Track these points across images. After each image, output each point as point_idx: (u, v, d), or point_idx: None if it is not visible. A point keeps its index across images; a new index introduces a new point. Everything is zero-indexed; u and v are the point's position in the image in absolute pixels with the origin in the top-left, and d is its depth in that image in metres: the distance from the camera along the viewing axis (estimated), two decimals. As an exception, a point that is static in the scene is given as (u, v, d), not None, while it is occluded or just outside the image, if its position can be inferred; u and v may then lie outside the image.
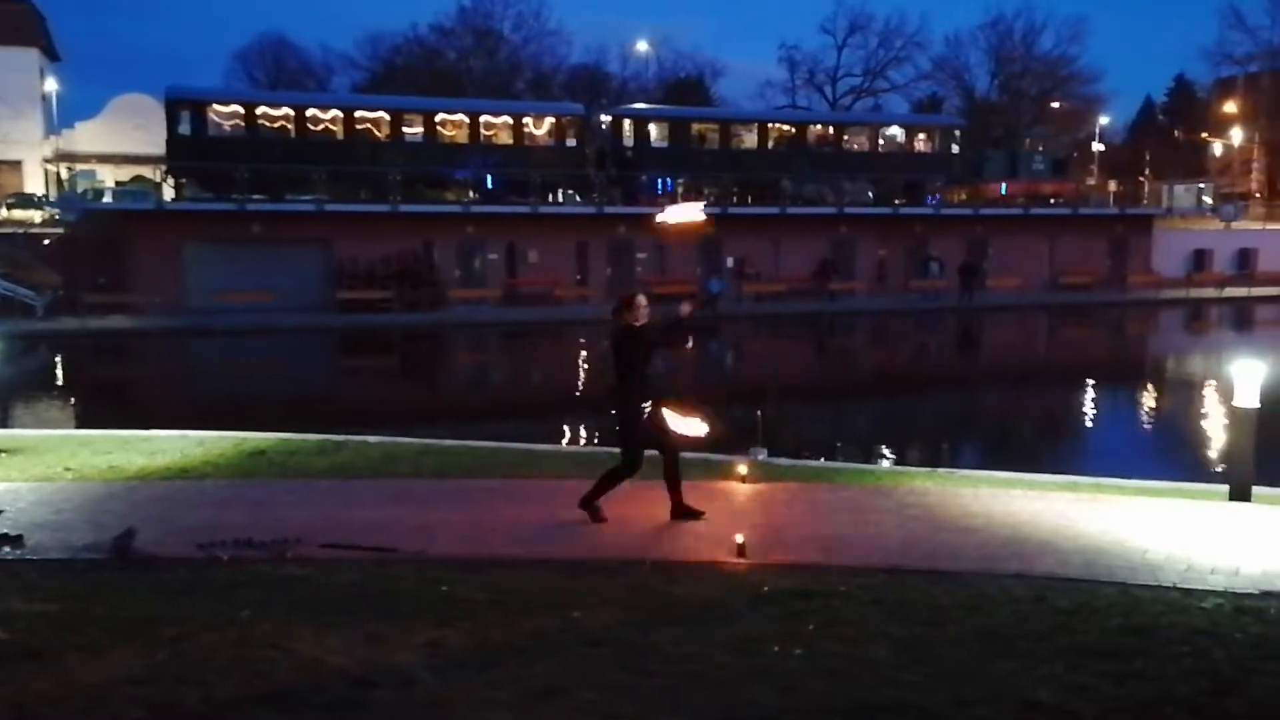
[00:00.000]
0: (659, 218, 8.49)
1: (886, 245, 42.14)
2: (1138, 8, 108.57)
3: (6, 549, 6.96)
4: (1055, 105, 68.95)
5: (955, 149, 44.67)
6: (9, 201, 42.17)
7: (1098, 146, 66.95)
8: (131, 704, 4.31)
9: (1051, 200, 46.20)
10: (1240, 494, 8.87)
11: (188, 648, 4.97)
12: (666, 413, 7.85)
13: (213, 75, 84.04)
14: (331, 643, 5.06)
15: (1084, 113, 70.58)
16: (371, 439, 11.78)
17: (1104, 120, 71.07)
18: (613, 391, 7.96)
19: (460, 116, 38.23)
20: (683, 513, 7.96)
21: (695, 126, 41.72)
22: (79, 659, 4.77)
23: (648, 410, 7.85)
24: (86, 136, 52.05)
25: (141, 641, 5.03)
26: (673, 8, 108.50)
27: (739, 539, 7.03)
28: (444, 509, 8.38)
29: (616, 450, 8.12)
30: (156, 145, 38.44)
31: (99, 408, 20.37)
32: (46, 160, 51.30)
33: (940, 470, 10.87)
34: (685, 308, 7.95)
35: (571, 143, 39.31)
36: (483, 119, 38.23)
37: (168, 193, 36.44)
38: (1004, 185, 45.71)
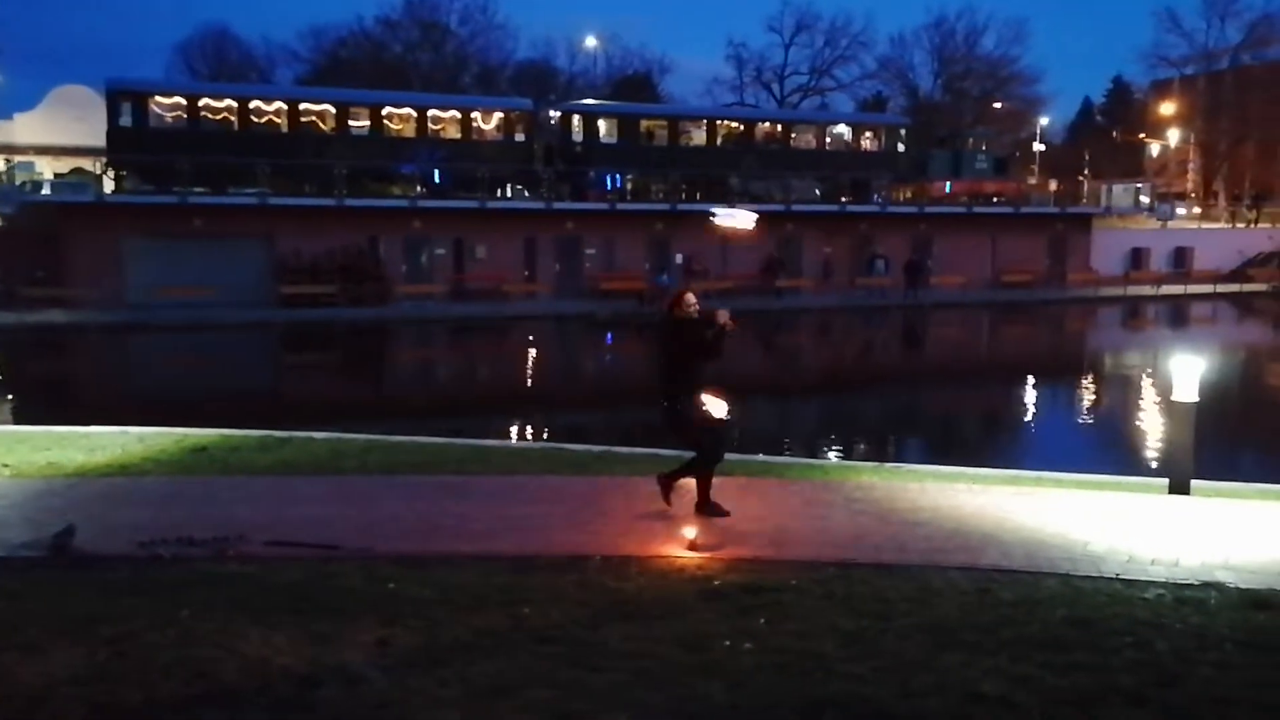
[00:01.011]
0: (715, 219, 8.50)
1: (833, 243, 42.45)
2: (1077, 10, 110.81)
3: (-61, 548, 6.78)
4: (997, 105, 69.98)
5: (900, 148, 45.12)
6: (-58, 193, 41.03)
7: (1038, 146, 68.14)
8: (73, 704, 4.24)
9: (994, 199, 46.83)
10: (1179, 487, 9.05)
11: (129, 647, 4.88)
12: (708, 400, 7.86)
13: (154, 67, 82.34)
14: (277, 642, 4.99)
15: (1025, 113, 71.78)
16: (316, 435, 11.64)
17: (1044, 121, 72.50)
18: (670, 385, 7.91)
19: (407, 110, 37.90)
20: (707, 505, 7.92)
21: (644, 123, 41.72)
22: (17, 659, 4.69)
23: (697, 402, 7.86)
24: (24, 128, 50.82)
25: (82, 641, 4.94)
26: (620, 4, 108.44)
27: (689, 533, 7.04)
28: (390, 506, 8.30)
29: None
30: (96, 137, 37.60)
31: (36, 403, 19.92)
32: (-18, 152, 50.04)
33: (887, 465, 10.98)
34: (724, 315, 7.88)
35: (520, 138, 39.15)
36: (430, 113, 37.93)
37: (108, 185, 35.70)
38: (948, 184, 46.27)
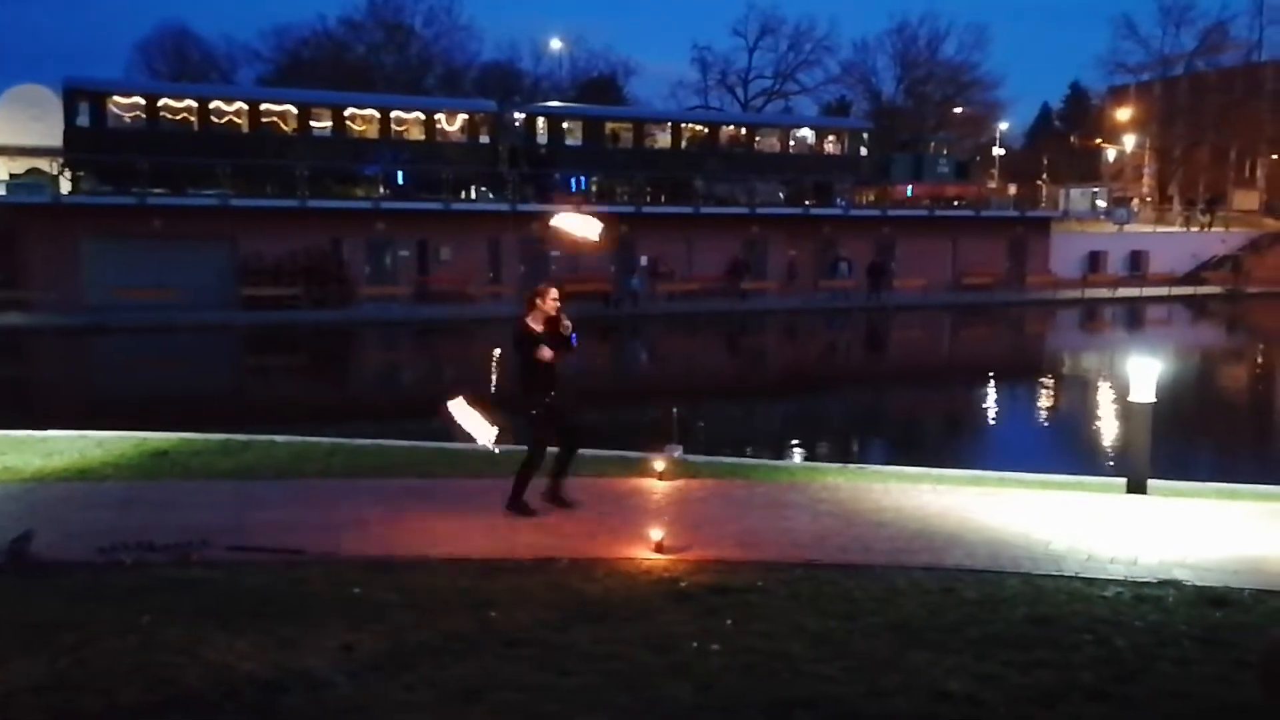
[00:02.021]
0: (554, 220, 8.50)
1: (797, 245, 42.64)
2: (1036, 17, 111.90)
3: (-108, 555, 6.64)
4: (958, 110, 70.65)
5: (863, 151, 45.42)
6: (-109, 194, 40.21)
7: (998, 151, 68.78)
8: (32, 712, 4.18)
9: (955, 203, 47.25)
10: (1137, 486, 9.18)
11: (90, 654, 4.81)
12: (458, 405, 8.15)
13: (112, 66, 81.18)
14: (241, 647, 4.94)
15: (985, 118, 72.45)
16: (279, 439, 11.52)
17: (1004, 126, 73.12)
18: (547, 381, 8.12)
19: (370, 111, 37.64)
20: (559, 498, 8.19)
21: (609, 125, 41.70)
22: (-28, 668, 4.58)
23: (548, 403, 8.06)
24: (-24, 127, 49.93)
25: (41, 649, 4.86)
26: (585, 7, 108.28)
27: (656, 535, 7.05)
28: (354, 509, 8.24)
29: (518, 447, 8.19)
30: (53, 137, 36.98)
31: (-10, 408, 19.58)
32: (-67, 151, 49.12)
33: (851, 466, 11.04)
34: (567, 324, 8.14)
35: (484, 140, 38.99)
36: (393, 114, 37.69)
37: (65, 186, 35.11)
38: (910, 187, 46.64)
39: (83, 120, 33.59)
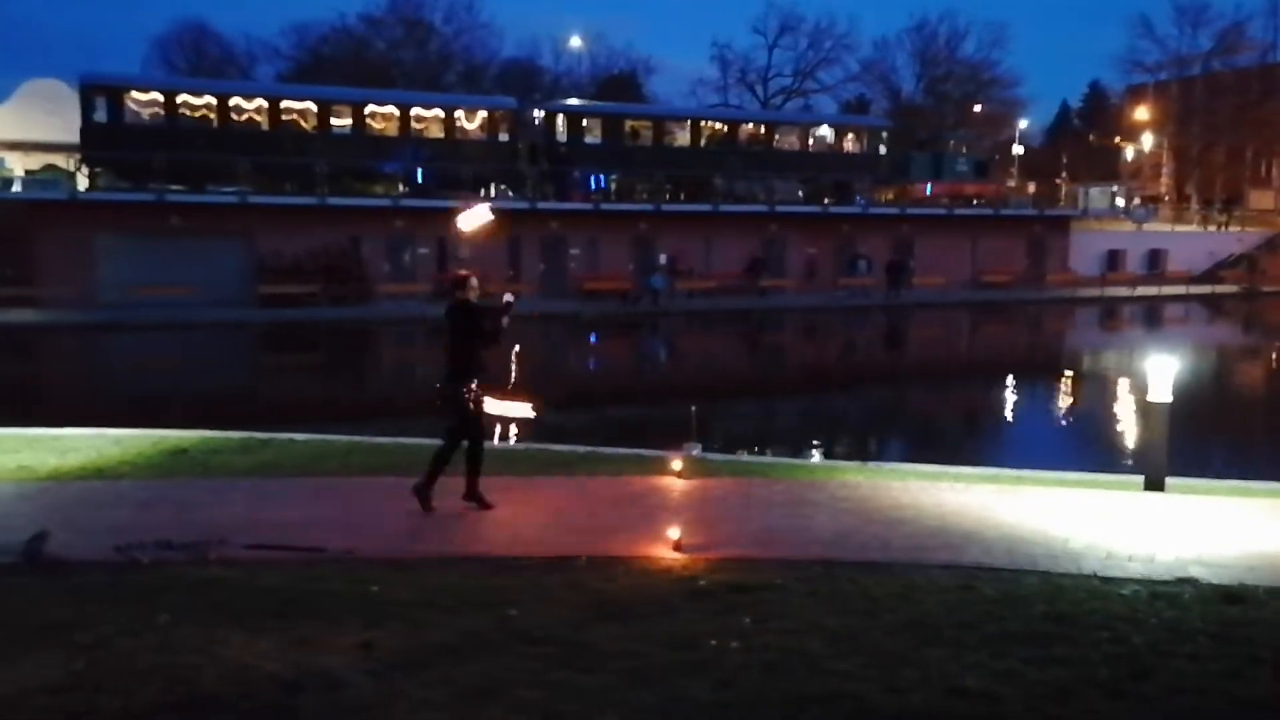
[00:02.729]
0: (458, 226, 8.68)
1: (816, 243, 42.57)
2: (1055, 15, 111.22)
3: (-90, 553, 6.66)
4: (977, 109, 70.37)
5: (882, 150, 45.28)
6: (-93, 190, 40.52)
7: (1018, 149, 68.45)
8: (47, 713, 4.16)
9: (974, 201, 47.07)
10: (1155, 484, 9.14)
11: (106, 654, 4.79)
12: (489, 399, 8.12)
13: (130, 61, 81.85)
14: (259, 647, 4.93)
15: (1005, 116, 72.14)
16: (297, 437, 11.56)
17: (1023, 124, 72.74)
18: (453, 367, 8.12)
19: (390, 109, 37.70)
20: (476, 497, 8.16)
21: (628, 123, 41.67)
22: (-11, 667, 4.57)
23: (475, 389, 8.10)
24: (-8, 122, 50.21)
25: (56, 649, 4.83)
26: (606, 4, 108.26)
27: (675, 533, 7.03)
28: (373, 507, 8.26)
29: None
30: (70, 133, 37.14)
31: (5, 405, 19.66)
32: (-51, 147, 49.45)
33: (870, 464, 11.01)
34: (509, 296, 8.35)
35: (504, 137, 38.99)
36: (413, 111, 37.73)
37: (82, 182, 35.26)
38: (929, 186, 46.48)
39: (100, 116, 33.68)
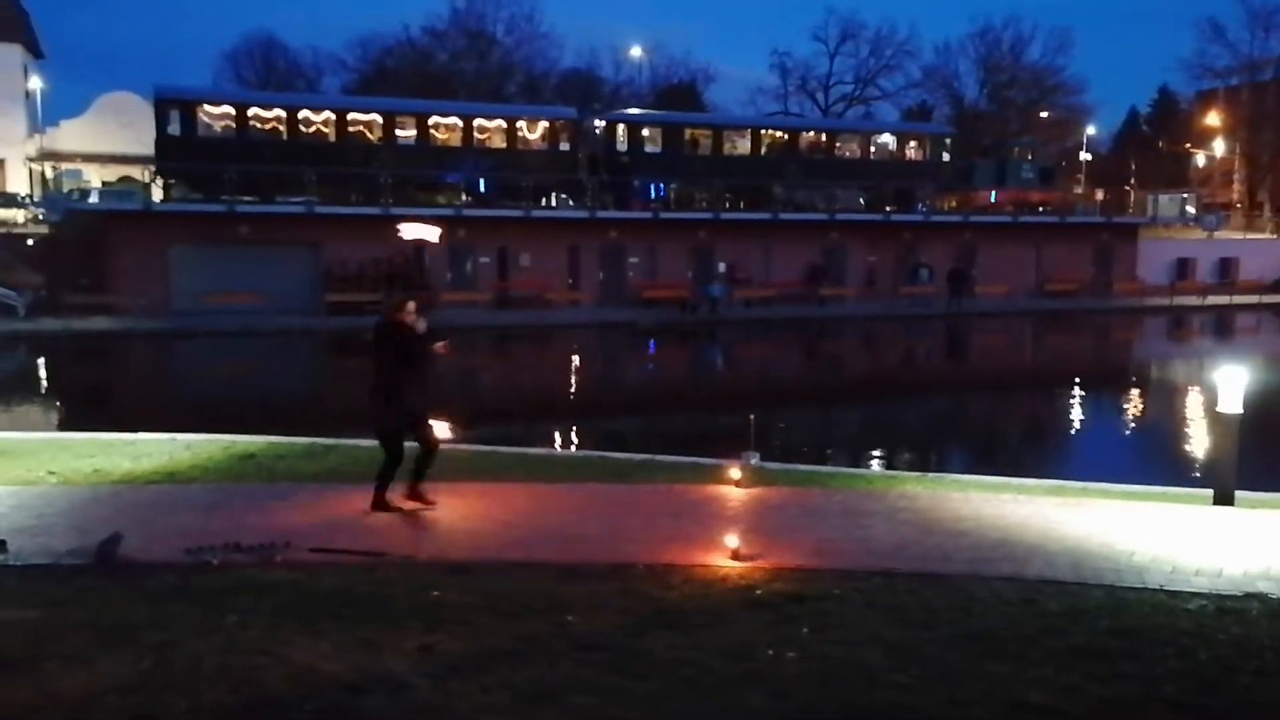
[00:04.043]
0: (400, 229, 9.09)
1: (877, 251, 42.26)
2: (1123, 20, 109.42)
3: (-10, 554, 6.88)
4: (1043, 115, 69.30)
5: (945, 157, 44.84)
6: (-10, 200, 41.88)
7: (1084, 156, 67.35)
8: (116, 714, 4.24)
9: (1039, 208, 46.42)
10: (1224, 498, 8.95)
11: (174, 655, 4.89)
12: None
13: (201, 74, 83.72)
14: (322, 648, 5.02)
15: (1071, 122, 71.05)
16: (361, 443, 11.70)
17: (1090, 130, 71.54)
18: (391, 387, 8.28)
19: (453, 120, 38.16)
20: (393, 504, 8.34)
21: (688, 132, 41.72)
22: (60, 668, 4.69)
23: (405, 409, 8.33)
24: (71, 135, 51.62)
25: (126, 649, 4.94)
26: (665, 13, 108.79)
27: (732, 542, 7.03)
28: (432, 512, 8.35)
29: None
30: (144, 145, 38.15)
31: (82, 410, 20.22)
32: (30, 159, 50.89)
33: (930, 475, 10.89)
34: (441, 345, 8.57)
35: (564, 147, 39.27)
36: (475, 122, 38.16)
37: (156, 193, 36.17)
38: (993, 193, 45.91)
39: (173, 129, 34.53)
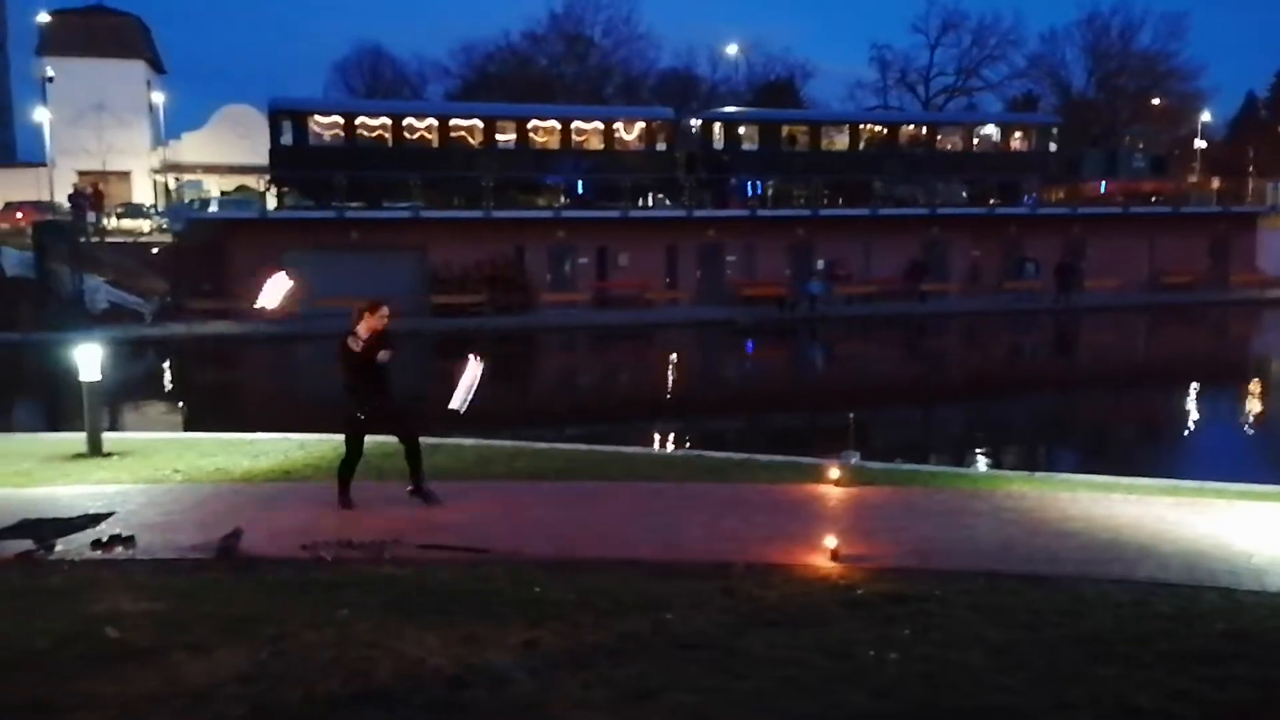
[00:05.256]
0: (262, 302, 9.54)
1: (980, 246, 41.37)
2: (1239, 2, 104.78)
3: (119, 549, 7.24)
4: (1155, 102, 66.92)
5: (1052, 147, 43.62)
6: (118, 211, 43.72)
7: (1199, 143, 64.82)
8: (235, 702, 4.42)
9: (1152, 199, 44.90)
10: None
11: (289, 647, 5.09)
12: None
13: (313, 85, 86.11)
14: (429, 642, 5.16)
15: (1184, 109, 68.39)
16: (466, 442, 11.96)
17: (1205, 117, 68.75)
18: (368, 390, 8.63)
19: (552, 123, 38.55)
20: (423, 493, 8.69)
21: (785, 129, 41.41)
22: (185, 657, 4.91)
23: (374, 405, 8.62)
24: (192, 147, 53.72)
25: (245, 640, 5.15)
26: (762, 11, 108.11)
27: (832, 542, 7.00)
28: (536, 510, 8.50)
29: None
30: (260, 155, 39.45)
31: (204, 411, 21.01)
32: (154, 170, 53.15)
33: (1038, 474, 10.67)
34: (385, 354, 8.74)
35: (661, 147, 39.34)
36: (574, 125, 38.48)
37: (270, 201, 37.38)
38: (1103, 184, 44.55)
39: (286, 139, 35.61)
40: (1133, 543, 7.34)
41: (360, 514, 8.32)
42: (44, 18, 49.73)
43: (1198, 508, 8.54)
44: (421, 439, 9.04)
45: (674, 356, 30.06)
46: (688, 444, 15.91)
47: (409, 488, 8.75)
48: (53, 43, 50.39)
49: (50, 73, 43.09)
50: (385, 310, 8.83)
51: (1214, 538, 7.45)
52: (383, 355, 8.61)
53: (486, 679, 4.70)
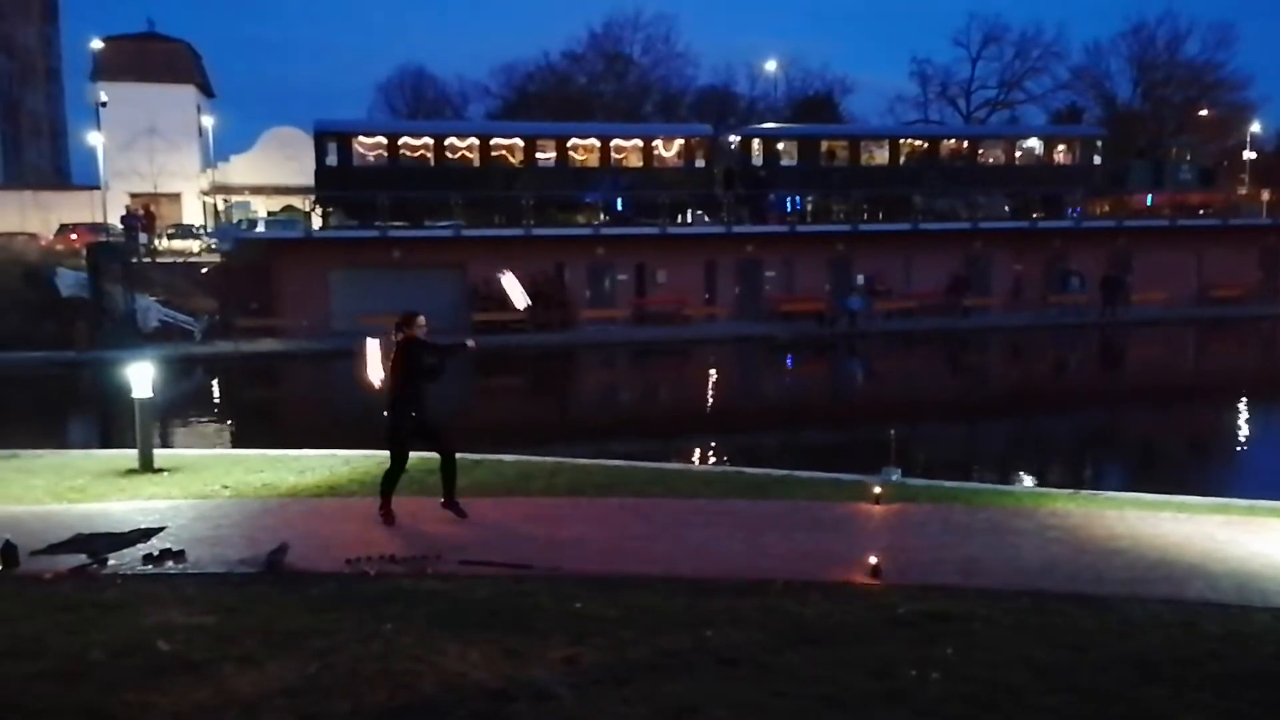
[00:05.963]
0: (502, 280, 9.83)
1: (1023, 260, 41.04)
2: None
3: (170, 563, 7.38)
4: (1202, 113, 66.06)
5: (1096, 160, 43.22)
6: (169, 232, 44.53)
7: (1248, 155, 63.90)
8: (284, 714, 4.48)
9: (1199, 211, 44.31)
10: None
11: (336, 660, 5.15)
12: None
13: (357, 106, 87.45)
14: (472, 657, 5.20)
15: (1233, 120, 67.41)
16: (506, 458, 12.04)
17: (1255, 127, 67.77)
18: (403, 398, 8.75)
19: (591, 141, 38.80)
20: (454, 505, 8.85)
21: (824, 144, 41.38)
22: (235, 670, 4.98)
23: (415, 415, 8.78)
24: (240, 168, 54.61)
25: (293, 653, 5.22)
26: (801, 27, 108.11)
27: (873, 560, 6.97)
28: (577, 527, 8.53)
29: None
30: (305, 176, 40.10)
31: (252, 427, 21.29)
32: (204, 192, 54.06)
33: (1083, 492, 10.56)
34: (471, 342, 9.27)
35: (699, 164, 39.47)
36: (613, 143, 38.70)
37: (315, 221, 37.95)
38: (1149, 196, 44.04)
39: (331, 160, 36.17)
40: (1181, 562, 7.25)
41: (402, 528, 8.40)
42: (97, 44, 50.84)
43: (1249, 527, 8.41)
44: (459, 454, 9.14)
45: (713, 372, 30.05)
46: (727, 460, 15.90)
47: (441, 501, 8.88)
48: (106, 68, 51.49)
49: (104, 98, 44.06)
50: (422, 320, 9.08)
51: (1266, 557, 7.34)
52: (471, 343, 9.16)
53: (529, 693, 4.73)
